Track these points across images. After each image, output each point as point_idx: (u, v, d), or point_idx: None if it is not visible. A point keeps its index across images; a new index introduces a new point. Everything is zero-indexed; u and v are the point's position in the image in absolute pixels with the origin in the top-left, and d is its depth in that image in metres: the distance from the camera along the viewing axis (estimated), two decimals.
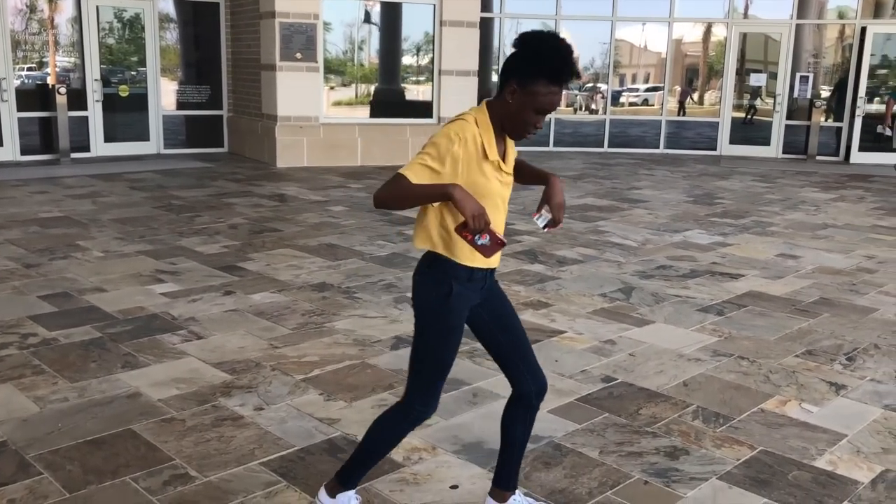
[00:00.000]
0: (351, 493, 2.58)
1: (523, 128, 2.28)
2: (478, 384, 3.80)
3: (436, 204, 2.28)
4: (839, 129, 13.99)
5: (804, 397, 3.76)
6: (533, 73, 2.18)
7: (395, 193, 2.20)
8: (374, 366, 3.99)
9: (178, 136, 12.70)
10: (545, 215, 2.43)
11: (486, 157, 2.27)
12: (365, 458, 2.55)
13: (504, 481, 2.63)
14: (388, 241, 6.77)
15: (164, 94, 12.35)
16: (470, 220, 2.13)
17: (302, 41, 11.16)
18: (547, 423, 3.40)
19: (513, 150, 2.42)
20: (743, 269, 6.14)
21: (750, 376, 4.00)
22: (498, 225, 2.34)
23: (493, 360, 2.54)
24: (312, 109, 11.40)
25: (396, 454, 3.09)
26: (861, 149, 13.65)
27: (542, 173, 2.51)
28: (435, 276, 2.34)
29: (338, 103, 12.29)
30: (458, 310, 2.36)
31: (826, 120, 14.07)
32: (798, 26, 14.05)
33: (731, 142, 14.37)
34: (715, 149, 14.43)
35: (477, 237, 2.17)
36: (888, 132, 10.87)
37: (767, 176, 11.77)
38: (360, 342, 4.31)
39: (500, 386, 3.77)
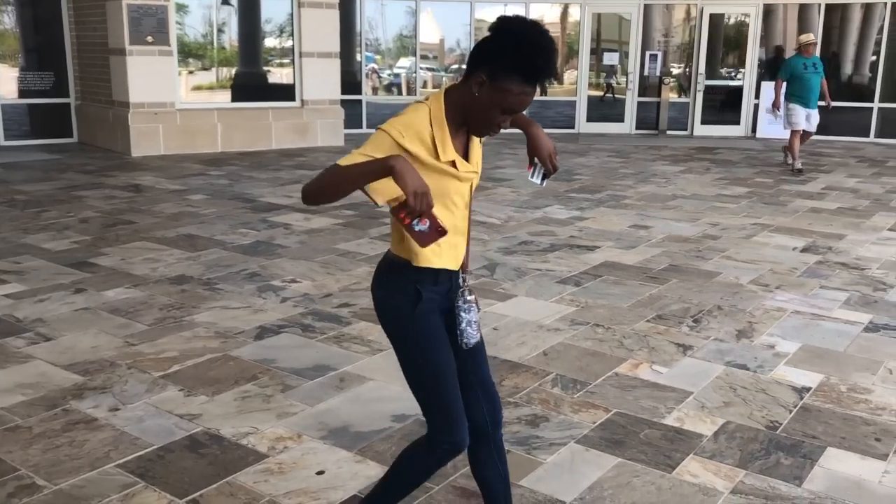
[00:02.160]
0: None
1: (486, 126, 2.00)
2: (344, 369, 3.80)
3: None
4: (686, 105, 14.80)
5: (654, 359, 3.99)
6: (507, 69, 1.90)
7: (326, 181, 1.90)
8: (236, 357, 3.91)
9: (20, 126, 11.88)
10: (538, 169, 2.22)
11: (436, 155, 1.98)
12: (386, 494, 2.30)
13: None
14: (252, 228, 6.62)
15: (4, 82, 11.52)
16: (410, 196, 1.81)
17: (152, 24, 10.67)
18: (413, 402, 3.41)
19: (478, 143, 2.12)
20: (599, 241, 6.41)
21: (605, 342, 4.19)
22: (458, 221, 2.09)
23: None
24: (167, 95, 10.93)
25: (261, 445, 3.06)
26: (703, 122, 14.56)
27: (518, 122, 2.16)
28: (397, 283, 2.09)
29: (198, 88, 11.86)
30: (429, 313, 2.08)
31: (679, 96, 14.86)
32: (647, 6, 14.70)
33: (589, 119, 14.91)
34: (573, 127, 14.93)
35: (415, 221, 1.88)
36: (778, 114, 10.20)
37: (622, 151, 12.31)
38: (222, 334, 4.21)
39: (366, 369, 3.79)
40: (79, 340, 4.09)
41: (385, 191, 1.95)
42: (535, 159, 2.22)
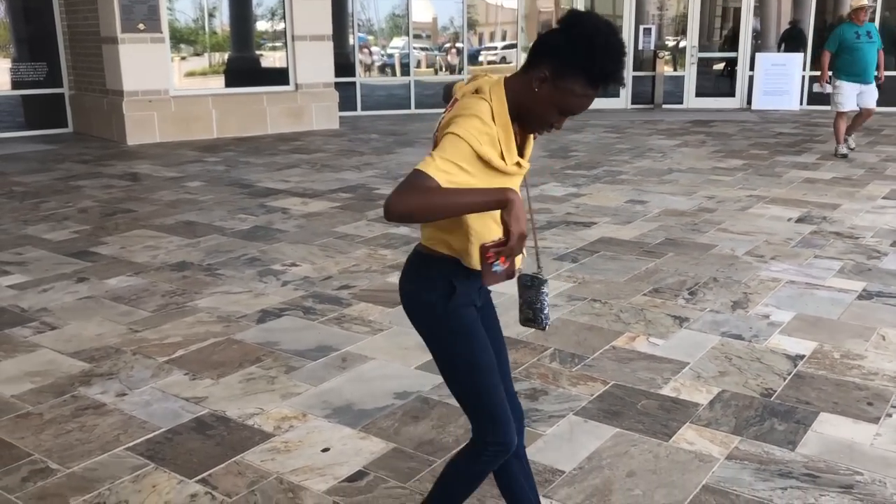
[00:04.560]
0: None
1: (539, 124, 1.90)
2: (346, 349, 3.86)
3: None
4: (682, 78, 14.79)
5: (651, 332, 4.05)
6: (575, 69, 1.79)
7: (428, 201, 1.71)
8: (240, 341, 3.97)
9: (14, 117, 11.87)
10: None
11: (502, 158, 1.86)
12: None
13: None
14: (250, 213, 6.66)
15: None
16: (515, 240, 1.71)
17: (144, 11, 10.64)
18: (415, 380, 3.52)
19: (531, 139, 2.00)
20: (595, 216, 6.46)
21: (602, 317, 4.25)
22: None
23: None
24: (161, 82, 10.92)
25: (267, 425, 3.13)
26: (697, 94, 14.58)
27: None
28: (428, 277, 1.98)
29: (191, 74, 11.85)
30: (464, 306, 1.98)
31: (675, 70, 14.87)
32: None
33: None
34: None
35: (496, 263, 1.79)
36: (827, 89, 9.03)
37: (618, 127, 12.32)
38: (225, 319, 4.27)
39: (367, 349, 3.86)
40: (84, 328, 4.15)
41: (482, 233, 1.87)
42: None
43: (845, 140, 9.07)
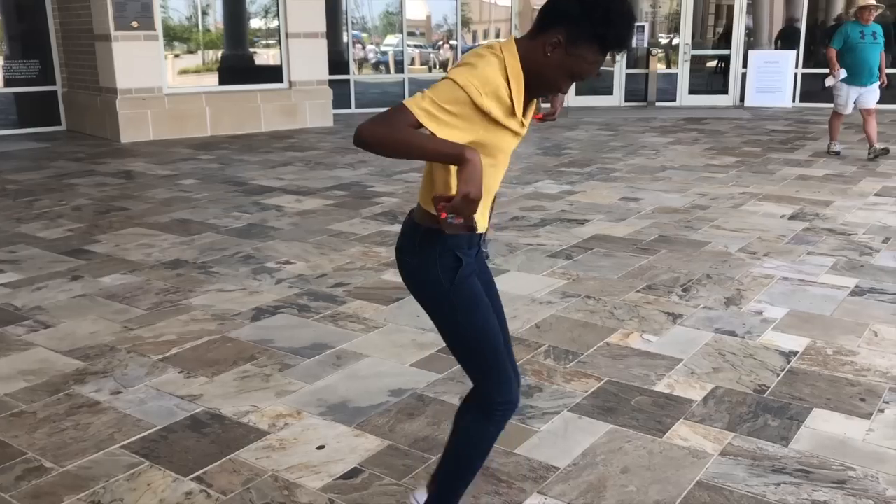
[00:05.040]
0: None
1: (547, 88, 1.91)
2: (341, 346, 3.86)
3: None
4: (675, 76, 14.82)
5: (645, 329, 4.06)
6: (589, 35, 1.80)
7: (393, 135, 1.72)
8: (234, 339, 3.97)
9: (7, 115, 11.83)
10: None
11: (512, 113, 1.87)
12: (455, 479, 2.23)
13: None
14: (244, 211, 6.66)
15: None
16: (462, 203, 1.70)
17: (137, 8, 10.60)
18: (410, 377, 3.52)
19: (534, 103, 2.02)
20: (589, 214, 6.47)
21: (596, 314, 4.27)
22: (496, 181, 2.01)
23: None
24: (155, 80, 10.90)
25: (262, 422, 3.13)
26: (690, 92, 14.62)
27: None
28: (433, 252, 1.98)
29: (184, 71, 11.81)
30: (468, 275, 2.01)
31: (668, 67, 14.90)
32: None
33: (578, 93, 14.91)
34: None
35: (451, 217, 1.77)
36: (842, 74, 8.73)
37: (611, 124, 12.34)
38: (219, 317, 4.27)
39: (362, 346, 3.86)
40: (78, 326, 4.14)
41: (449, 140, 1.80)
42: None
43: (872, 147, 8.81)
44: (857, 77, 8.60)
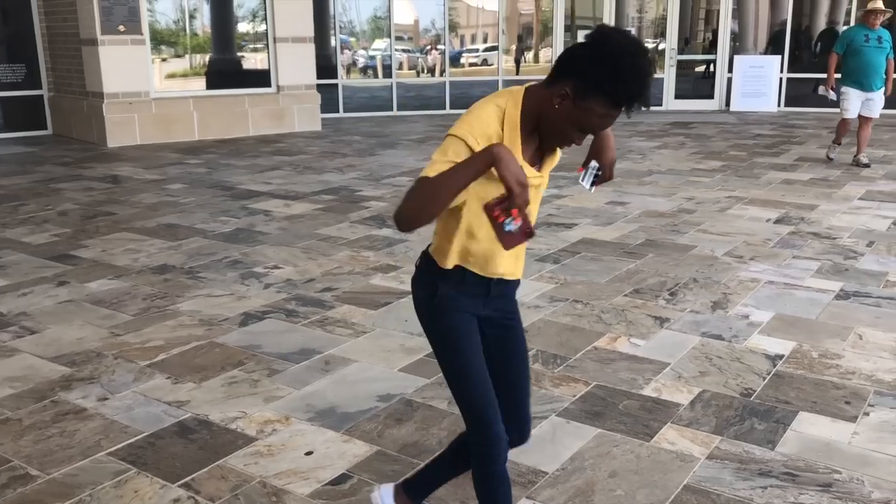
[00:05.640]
0: None
1: (558, 139, 1.87)
2: (329, 351, 3.86)
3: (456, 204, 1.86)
4: (661, 80, 14.90)
5: (632, 333, 4.08)
6: (597, 88, 1.74)
7: (422, 196, 1.75)
8: (222, 344, 3.96)
9: None
10: (592, 170, 2.06)
11: None
12: None
13: (415, 491, 2.38)
14: (232, 216, 6.64)
15: None
16: (514, 186, 1.69)
17: (124, 13, 10.57)
18: (398, 381, 3.52)
19: (558, 152, 1.99)
20: (577, 218, 6.49)
21: (584, 318, 4.28)
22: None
23: None
24: (142, 84, 10.86)
25: (249, 428, 3.12)
26: (676, 96, 14.71)
27: None
28: (422, 278, 2.05)
29: (172, 76, 11.78)
30: (451, 311, 2.00)
31: (654, 72, 14.98)
32: None
33: None
34: None
35: (508, 220, 1.74)
36: (832, 95, 8.69)
37: None
38: (207, 322, 4.26)
39: (350, 352, 3.86)
40: (64, 332, 4.12)
41: (480, 192, 1.85)
42: (593, 162, 2.06)
43: (858, 154, 8.74)
44: (861, 81, 8.38)
